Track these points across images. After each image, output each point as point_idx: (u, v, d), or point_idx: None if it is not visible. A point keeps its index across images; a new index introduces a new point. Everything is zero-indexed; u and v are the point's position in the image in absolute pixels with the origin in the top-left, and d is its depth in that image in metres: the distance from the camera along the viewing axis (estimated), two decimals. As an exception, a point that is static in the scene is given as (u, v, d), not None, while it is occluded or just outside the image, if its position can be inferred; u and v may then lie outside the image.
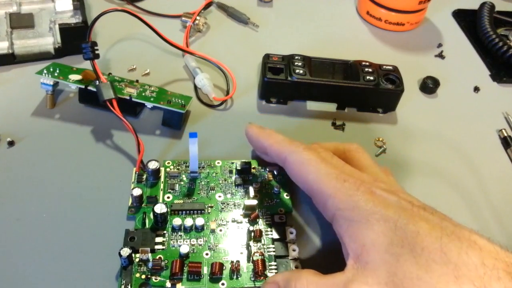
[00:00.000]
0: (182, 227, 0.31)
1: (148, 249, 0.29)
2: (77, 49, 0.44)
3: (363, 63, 0.42)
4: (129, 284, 0.27)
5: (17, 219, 0.32)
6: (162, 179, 0.34)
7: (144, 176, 0.34)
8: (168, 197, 0.32)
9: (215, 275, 0.28)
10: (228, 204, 0.33)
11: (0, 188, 0.33)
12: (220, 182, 0.34)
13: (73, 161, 0.36)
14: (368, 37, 0.53)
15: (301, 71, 0.41)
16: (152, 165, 0.33)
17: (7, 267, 0.29)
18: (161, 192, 0.33)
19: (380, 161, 0.39)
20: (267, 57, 0.42)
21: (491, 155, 0.41)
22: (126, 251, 0.28)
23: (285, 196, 0.34)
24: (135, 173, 0.34)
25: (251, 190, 0.33)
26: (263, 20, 0.52)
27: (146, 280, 0.28)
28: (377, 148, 0.40)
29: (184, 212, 0.32)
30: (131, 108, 0.39)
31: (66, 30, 0.42)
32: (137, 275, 0.28)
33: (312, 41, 0.51)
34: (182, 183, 0.34)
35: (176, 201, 0.32)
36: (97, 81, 0.36)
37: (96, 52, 0.36)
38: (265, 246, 0.30)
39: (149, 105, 0.37)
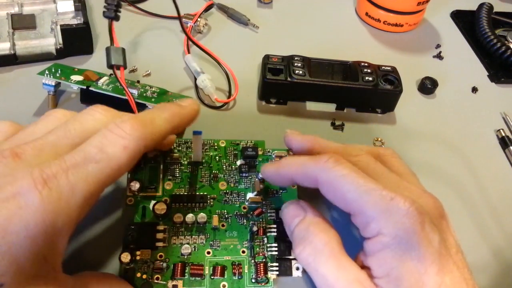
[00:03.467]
0: (183, 223, 0.30)
1: (149, 250, 0.28)
2: (78, 50, 0.44)
3: (362, 63, 0.43)
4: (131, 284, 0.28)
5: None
6: (161, 164, 0.32)
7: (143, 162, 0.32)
8: (169, 185, 0.31)
9: (217, 277, 0.28)
10: (232, 194, 0.31)
11: (2, 187, 0.34)
12: (224, 168, 0.32)
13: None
14: (367, 38, 0.54)
15: (301, 72, 0.41)
16: (150, 153, 0.31)
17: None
18: (161, 181, 0.31)
19: (379, 161, 0.39)
20: (266, 57, 0.42)
21: (489, 155, 0.41)
22: (126, 257, 0.27)
23: (291, 186, 0.32)
24: None
25: (256, 185, 0.31)
26: (263, 21, 0.53)
27: (147, 280, 0.28)
28: (376, 148, 0.40)
29: (185, 204, 0.30)
30: (132, 109, 0.39)
31: (67, 31, 0.43)
32: (138, 274, 0.28)
33: (311, 42, 0.51)
34: (183, 167, 0.32)
35: (176, 190, 0.31)
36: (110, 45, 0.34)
37: (118, 13, 0.34)
38: (267, 245, 0.30)
39: (150, 105, 0.37)
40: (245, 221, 0.31)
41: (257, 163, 0.33)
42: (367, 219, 0.23)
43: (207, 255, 0.29)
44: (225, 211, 0.31)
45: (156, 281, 0.28)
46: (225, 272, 0.28)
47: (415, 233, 0.22)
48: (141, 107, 0.40)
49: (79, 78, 0.38)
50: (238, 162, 0.32)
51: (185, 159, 0.32)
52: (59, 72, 0.39)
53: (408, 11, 0.53)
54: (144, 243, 0.29)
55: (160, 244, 0.29)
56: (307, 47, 0.50)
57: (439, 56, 0.52)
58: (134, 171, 0.30)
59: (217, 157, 0.32)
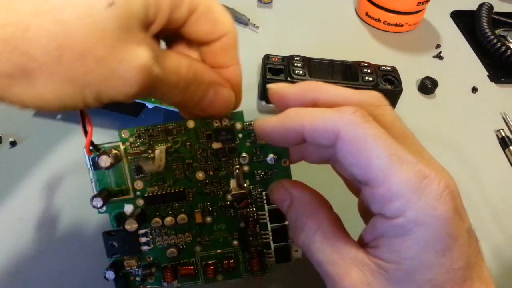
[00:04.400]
0: (163, 226, 0.27)
1: (133, 261, 0.27)
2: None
3: (362, 63, 0.43)
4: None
5: (20, 218, 0.32)
6: (124, 161, 0.26)
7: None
8: (139, 185, 0.26)
9: (210, 277, 0.27)
10: (212, 184, 0.26)
11: (2, 188, 0.34)
12: (198, 155, 0.26)
13: (75, 161, 0.36)
14: (367, 38, 0.54)
15: (301, 72, 0.41)
16: (104, 162, 0.24)
17: (10, 266, 0.29)
18: (129, 179, 0.26)
19: (379, 161, 0.39)
20: (267, 57, 0.42)
21: (489, 155, 0.41)
22: (111, 276, 0.26)
23: (282, 164, 0.26)
24: (88, 157, 0.26)
25: (238, 177, 0.26)
26: (263, 21, 0.53)
27: (141, 282, 0.27)
28: (376, 148, 0.40)
29: (162, 204, 0.26)
30: (132, 109, 0.39)
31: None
32: (132, 278, 0.27)
33: (311, 42, 0.51)
34: (150, 162, 0.26)
35: (149, 189, 0.26)
36: None
37: None
38: (260, 233, 0.27)
39: (150, 105, 0.37)
40: (232, 211, 0.27)
41: (237, 141, 0.26)
42: (391, 195, 0.19)
43: (197, 250, 0.27)
44: (208, 203, 0.27)
45: (149, 281, 0.27)
46: (218, 270, 0.27)
47: (446, 222, 0.19)
48: (141, 107, 0.40)
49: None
50: (214, 146, 0.26)
51: (150, 151, 0.26)
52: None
53: (408, 11, 0.53)
54: (128, 249, 0.27)
55: (145, 247, 0.27)
56: (307, 47, 0.50)
57: (439, 56, 0.52)
58: (98, 178, 0.26)
59: (187, 143, 0.26)
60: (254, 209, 0.27)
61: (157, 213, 0.26)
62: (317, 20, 0.55)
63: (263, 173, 0.26)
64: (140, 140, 0.26)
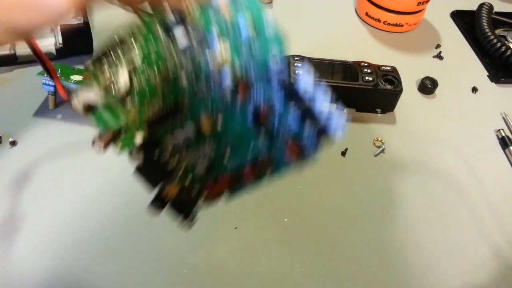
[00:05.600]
0: (175, 146, 0.23)
1: (174, 187, 0.23)
2: (78, 50, 0.45)
3: (362, 63, 0.43)
4: None
5: (20, 218, 0.32)
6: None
7: None
8: (133, 112, 0.23)
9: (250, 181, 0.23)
10: (199, 80, 0.22)
11: (2, 188, 0.34)
12: (168, 58, 0.21)
13: (75, 161, 0.36)
14: (367, 38, 0.54)
15: (301, 72, 0.41)
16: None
17: (10, 266, 0.29)
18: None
19: (379, 161, 0.39)
20: (267, 58, 0.42)
21: (489, 156, 0.41)
22: (154, 214, 0.22)
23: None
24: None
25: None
26: (263, 21, 0.53)
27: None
28: (376, 148, 0.40)
29: (163, 125, 0.23)
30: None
31: (67, 31, 0.43)
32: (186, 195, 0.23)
33: (311, 42, 0.51)
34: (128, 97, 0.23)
35: (145, 113, 0.23)
36: None
37: None
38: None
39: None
40: (238, 102, 0.22)
41: (197, 19, 0.21)
42: None
43: (225, 159, 0.23)
44: (208, 103, 0.22)
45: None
46: (256, 174, 0.23)
47: None
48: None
49: (79, 78, 0.38)
50: (177, 37, 0.22)
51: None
52: (59, 72, 0.39)
53: (408, 11, 0.53)
54: (160, 176, 0.23)
55: (179, 172, 0.23)
56: (307, 47, 0.50)
57: (439, 56, 0.52)
58: (96, 121, 0.23)
59: (151, 54, 0.22)
60: (259, 95, 0.22)
61: (166, 134, 0.23)
62: (317, 20, 0.55)
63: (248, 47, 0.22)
64: (105, 68, 0.22)
